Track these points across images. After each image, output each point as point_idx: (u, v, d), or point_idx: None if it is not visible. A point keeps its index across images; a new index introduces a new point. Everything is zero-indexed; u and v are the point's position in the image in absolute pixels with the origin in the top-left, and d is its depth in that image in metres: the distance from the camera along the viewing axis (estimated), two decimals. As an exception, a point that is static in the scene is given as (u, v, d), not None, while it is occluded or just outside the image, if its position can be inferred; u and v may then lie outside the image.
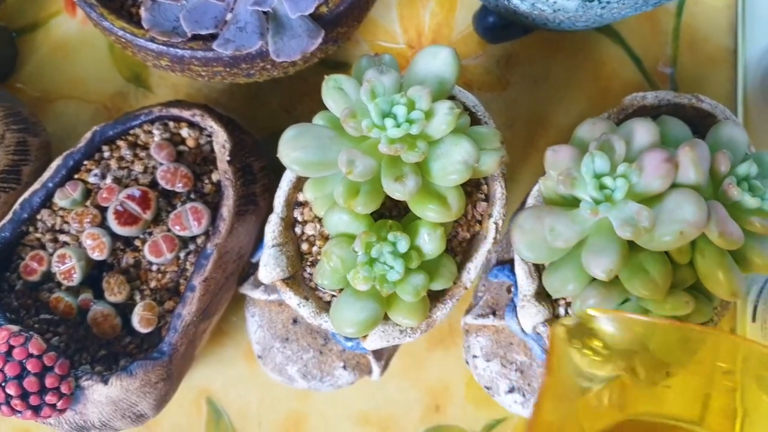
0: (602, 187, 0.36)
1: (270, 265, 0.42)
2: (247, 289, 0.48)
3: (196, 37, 0.42)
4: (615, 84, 0.55)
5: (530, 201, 0.42)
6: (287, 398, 0.54)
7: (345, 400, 0.54)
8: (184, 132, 0.47)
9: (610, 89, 0.55)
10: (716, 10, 0.55)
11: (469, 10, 0.55)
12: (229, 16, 0.42)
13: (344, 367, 0.47)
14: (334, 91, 0.39)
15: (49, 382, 0.41)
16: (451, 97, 0.44)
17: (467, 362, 0.49)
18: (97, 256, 0.45)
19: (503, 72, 0.55)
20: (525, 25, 0.49)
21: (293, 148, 0.38)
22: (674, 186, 0.37)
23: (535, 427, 0.32)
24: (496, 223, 0.43)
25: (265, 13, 0.42)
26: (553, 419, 0.34)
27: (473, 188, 0.44)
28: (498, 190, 0.43)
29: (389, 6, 0.56)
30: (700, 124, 0.45)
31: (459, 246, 0.43)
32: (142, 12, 0.42)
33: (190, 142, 0.47)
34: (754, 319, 0.50)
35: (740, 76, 0.53)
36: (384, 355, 0.49)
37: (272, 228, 0.43)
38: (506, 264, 0.47)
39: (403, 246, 0.39)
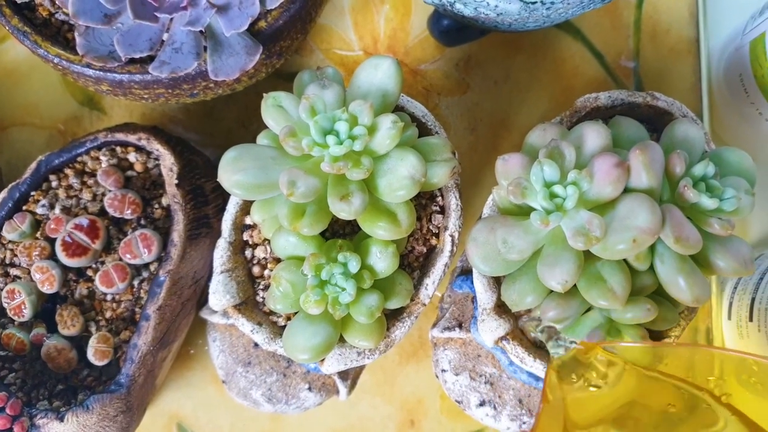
0: (553, 195, 0.35)
1: (219, 292, 0.40)
2: (206, 314, 0.47)
3: (133, 61, 0.41)
4: (577, 81, 0.54)
5: (486, 211, 0.41)
6: (259, 420, 0.53)
7: (318, 420, 0.53)
8: (132, 157, 0.46)
9: (572, 87, 0.54)
10: (677, 0, 0.54)
11: (424, 14, 0.53)
12: (165, 37, 0.40)
13: (309, 389, 0.46)
14: (273, 109, 0.37)
15: (0, 423, 0.40)
16: (399, 108, 0.42)
17: (437, 376, 0.48)
18: (47, 289, 0.44)
19: (462, 75, 0.54)
20: (479, 27, 0.48)
21: (233, 171, 0.36)
22: (627, 191, 0.35)
23: None
24: (452, 236, 0.41)
25: (202, 32, 0.40)
26: None
27: (428, 201, 0.42)
28: (453, 201, 0.41)
29: (343, 13, 0.54)
30: (658, 121, 0.43)
31: (416, 261, 0.42)
32: (76, 37, 0.40)
33: (138, 167, 0.46)
34: (729, 316, 0.49)
35: (704, 67, 0.51)
36: (350, 374, 0.47)
37: (220, 253, 0.41)
38: (469, 274, 0.45)
39: (353, 266, 0.37)
